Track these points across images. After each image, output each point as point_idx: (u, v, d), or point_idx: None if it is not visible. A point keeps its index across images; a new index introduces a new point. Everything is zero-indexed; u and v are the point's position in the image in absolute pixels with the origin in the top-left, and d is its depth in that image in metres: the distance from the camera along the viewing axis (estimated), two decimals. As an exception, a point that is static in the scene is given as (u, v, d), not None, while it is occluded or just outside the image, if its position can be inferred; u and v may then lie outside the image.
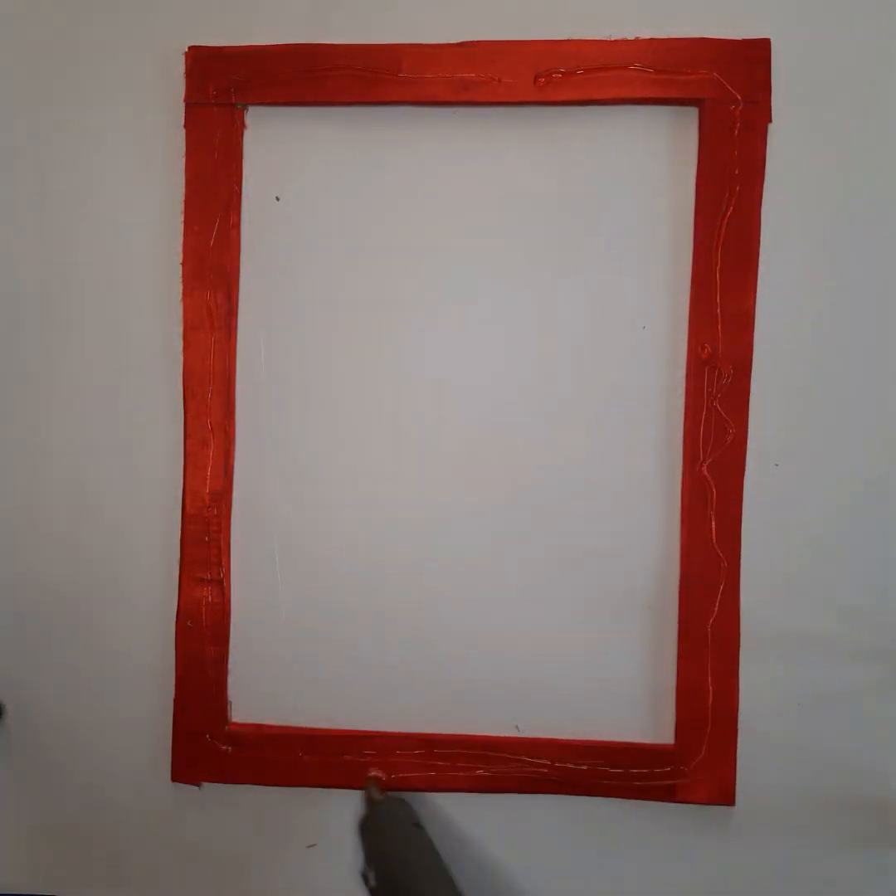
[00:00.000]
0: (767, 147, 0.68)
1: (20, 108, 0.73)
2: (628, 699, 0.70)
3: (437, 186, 0.70)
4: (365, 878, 0.60)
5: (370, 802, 0.66)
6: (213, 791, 0.73)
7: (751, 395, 0.68)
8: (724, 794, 0.69)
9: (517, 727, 0.71)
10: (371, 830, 0.64)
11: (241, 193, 0.71)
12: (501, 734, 0.70)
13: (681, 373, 0.69)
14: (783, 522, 0.68)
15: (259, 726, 0.72)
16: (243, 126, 0.71)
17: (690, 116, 0.68)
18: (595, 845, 0.71)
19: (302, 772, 0.72)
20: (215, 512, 0.71)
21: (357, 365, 0.71)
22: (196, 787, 0.73)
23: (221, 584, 0.71)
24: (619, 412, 0.69)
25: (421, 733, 0.71)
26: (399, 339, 0.70)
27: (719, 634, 0.69)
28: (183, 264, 0.72)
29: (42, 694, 0.74)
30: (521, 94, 0.68)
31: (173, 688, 0.72)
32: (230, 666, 0.72)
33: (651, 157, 0.68)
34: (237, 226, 0.71)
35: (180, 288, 0.72)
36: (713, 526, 0.68)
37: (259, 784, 0.72)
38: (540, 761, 0.70)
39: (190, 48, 0.71)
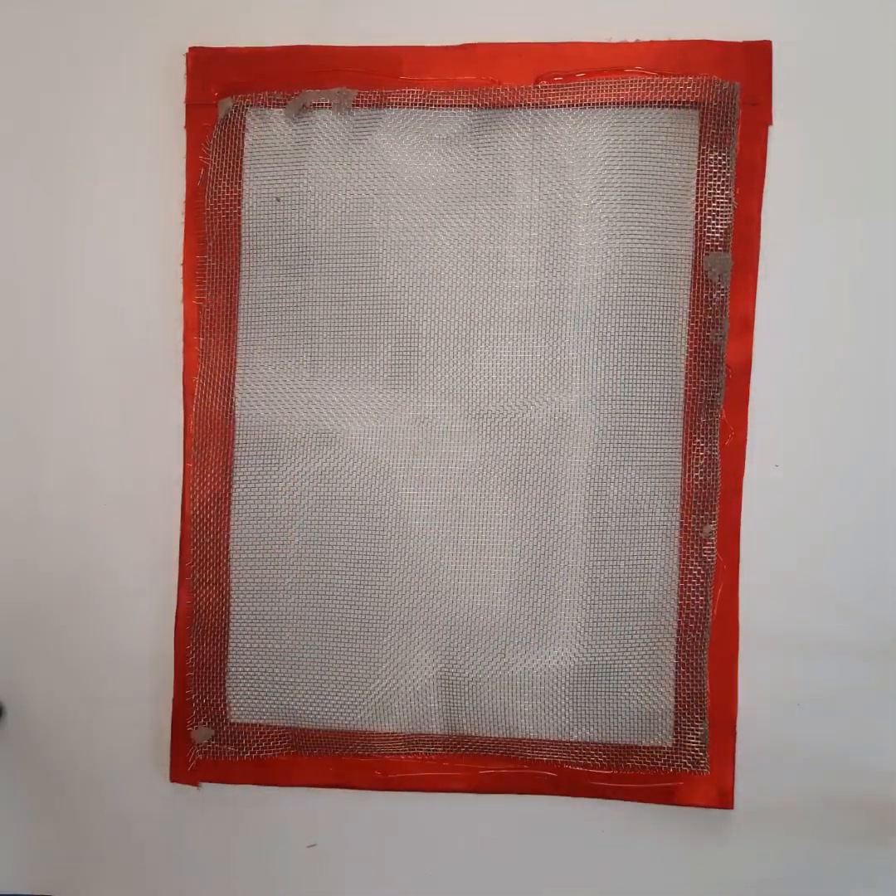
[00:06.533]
0: (767, 149, 0.68)
1: (20, 108, 0.73)
2: (627, 700, 0.70)
3: (438, 187, 0.70)
4: None
5: None
6: (213, 791, 0.73)
7: (750, 396, 0.69)
8: (723, 798, 0.69)
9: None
10: None
11: (241, 193, 0.71)
12: (501, 734, 0.70)
13: (680, 374, 0.69)
14: (783, 523, 0.69)
15: (259, 726, 0.72)
16: (244, 127, 0.71)
17: (691, 119, 0.68)
18: (594, 847, 0.71)
19: (302, 772, 0.72)
20: (215, 512, 0.71)
21: (357, 365, 0.71)
22: (195, 787, 0.73)
23: (221, 585, 0.71)
24: (618, 412, 0.69)
25: (421, 733, 0.71)
26: (399, 338, 0.70)
27: (718, 635, 0.69)
28: (183, 265, 0.72)
29: (42, 694, 0.74)
30: (522, 97, 0.68)
31: (172, 688, 0.72)
32: (229, 666, 0.72)
33: (651, 158, 0.68)
34: (237, 226, 0.71)
35: (180, 288, 0.72)
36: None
37: (259, 784, 0.72)
38: (539, 761, 0.70)
39: (191, 49, 0.71)
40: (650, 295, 0.68)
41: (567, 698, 0.69)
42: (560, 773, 0.70)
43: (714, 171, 0.68)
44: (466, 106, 0.69)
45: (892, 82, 0.68)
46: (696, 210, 0.68)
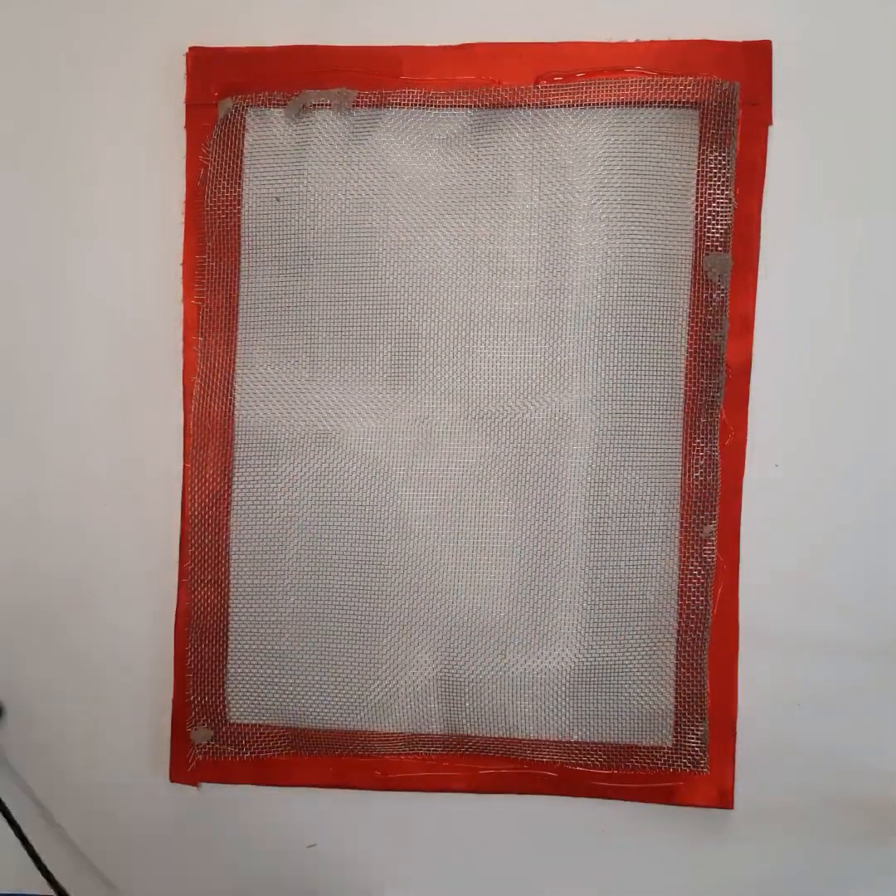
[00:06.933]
0: (767, 149, 0.68)
1: (19, 109, 0.73)
2: (627, 700, 0.70)
3: (438, 188, 0.70)
4: None
5: None
6: (213, 791, 0.73)
7: (750, 396, 0.69)
8: (723, 798, 0.69)
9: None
10: None
11: (241, 193, 0.71)
12: (501, 734, 0.70)
13: (680, 374, 0.69)
14: (783, 523, 0.69)
15: (259, 726, 0.72)
16: (244, 127, 0.71)
17: (691, 119, 0.68)
18: (594, 847, 0.71)
19: (302, 772, 0.72)
20: (215, 512, 0.71)
21: (357, 365, 0.71)
22: (195, 788, 0.73)
23: (221, 584, 0.71)
24: (618, 412, 0.69)
25: (421, 733, 0.71)
26: (398, 338, 0.70)
27: (718, 635, 0.69)
28: (183, 265, 0.72)
29: (42, 694, 0.74)
30: (522, 97, 0.68)
31: (172, 688, 0.72)
32: (229, 666, 0.72)
33: (651, 158, 0.68)
34: (237, 226, 0.71)
35: (180, 288, 0.72)
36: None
37: (259, 784, 0.72)
38: (539, 762, 0.70)
39: (191, 49, 0.71)
40: (650, 295, 0.68)
41: (567, 699, 0.69)
42: (560, 774, 0.70)
43: (714, 171, 0.68)
44: (466, 106, 0.69)
45: (892, 82, 0.68)
46: (696, 210, 0.68)
